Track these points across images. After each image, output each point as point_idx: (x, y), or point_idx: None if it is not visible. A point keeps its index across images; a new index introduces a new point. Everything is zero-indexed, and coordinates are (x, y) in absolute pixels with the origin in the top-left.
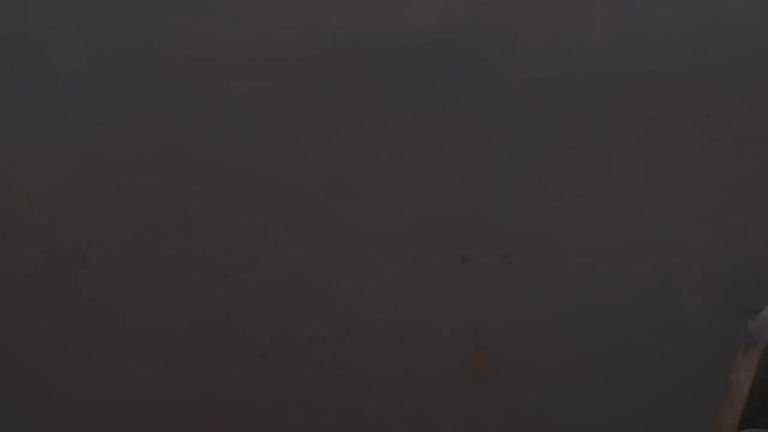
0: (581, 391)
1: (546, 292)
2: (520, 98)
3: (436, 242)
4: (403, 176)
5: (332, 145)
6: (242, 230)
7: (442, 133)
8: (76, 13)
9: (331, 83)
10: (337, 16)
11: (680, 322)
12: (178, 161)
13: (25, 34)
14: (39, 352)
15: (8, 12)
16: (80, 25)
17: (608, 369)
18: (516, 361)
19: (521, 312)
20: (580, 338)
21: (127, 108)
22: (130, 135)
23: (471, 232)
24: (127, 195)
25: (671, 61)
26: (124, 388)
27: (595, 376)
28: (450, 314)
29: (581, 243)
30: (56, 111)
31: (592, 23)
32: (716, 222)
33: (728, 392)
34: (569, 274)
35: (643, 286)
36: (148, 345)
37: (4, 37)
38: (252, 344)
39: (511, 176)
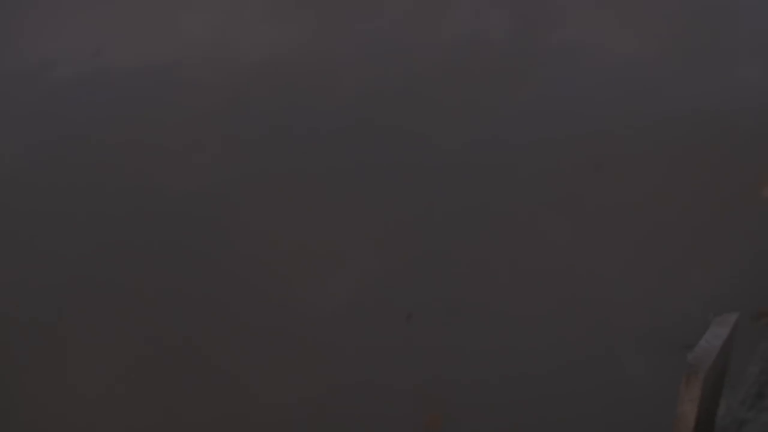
0: None
1: (493, 350)
2: (451, 166)
3: (381, 308)
4: (341, 255)
5: (270, 228)
6: (189, 316)
7: (375, 208)
8: (14, 104)
9: (258, 171)
10: (262, 98)
11: (626, 370)
12: (121, 248)
13: None
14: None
15: None
16: (18, 116)
17: (561, 422)
18: (468, 417)
19: (470, 369)
20: (531, 392)
21: (66, 197)
22: (71, 224)
23: (414, 296)
24: (78, 282)
25: (609, 119)
26: None
27: (549, 429)
28: (400, 373)
29: (525, 300)
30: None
31: (516, 90)
32: (651, 269)
33: (675, 424)
34: (515, 332)
35: (590, 339)
36: (110, 415)
37: None
38: (206, 415)
39: (447, 245)
